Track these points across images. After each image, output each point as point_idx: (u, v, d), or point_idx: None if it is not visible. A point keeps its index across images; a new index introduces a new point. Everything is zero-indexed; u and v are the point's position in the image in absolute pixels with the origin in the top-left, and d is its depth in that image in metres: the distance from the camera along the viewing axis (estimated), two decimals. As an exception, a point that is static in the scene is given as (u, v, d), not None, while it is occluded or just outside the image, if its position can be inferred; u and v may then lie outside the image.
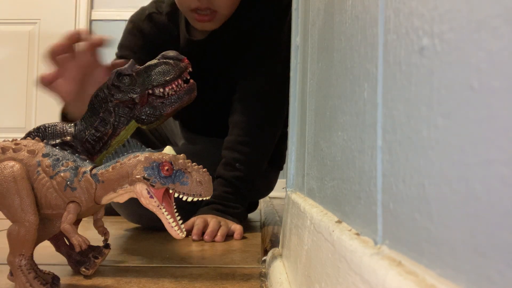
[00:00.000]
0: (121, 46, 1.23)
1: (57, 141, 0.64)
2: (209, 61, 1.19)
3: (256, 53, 1.17)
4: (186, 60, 0.66)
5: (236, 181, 1.10)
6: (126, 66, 0.66)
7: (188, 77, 0.67)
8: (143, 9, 1.27)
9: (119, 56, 1.21)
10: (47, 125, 0.66)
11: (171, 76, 0.64)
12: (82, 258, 0.66)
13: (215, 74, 1.22)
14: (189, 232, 0.98)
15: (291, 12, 0.93)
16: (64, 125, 0.66)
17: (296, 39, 0.73)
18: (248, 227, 1.19)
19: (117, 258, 0.80)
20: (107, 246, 0.69)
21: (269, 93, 1.16)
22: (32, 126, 2.48)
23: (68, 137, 0.65)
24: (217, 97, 1.23)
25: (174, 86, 0.65)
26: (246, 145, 1.13)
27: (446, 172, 0.19)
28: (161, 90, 0.64)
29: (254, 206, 1.47)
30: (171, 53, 0.67)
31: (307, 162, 0.54)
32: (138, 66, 0.66)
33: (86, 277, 0.65)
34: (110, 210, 1.24)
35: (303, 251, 0.44)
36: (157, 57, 0.67)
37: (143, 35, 1.21)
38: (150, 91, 0.64)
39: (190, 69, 0.67)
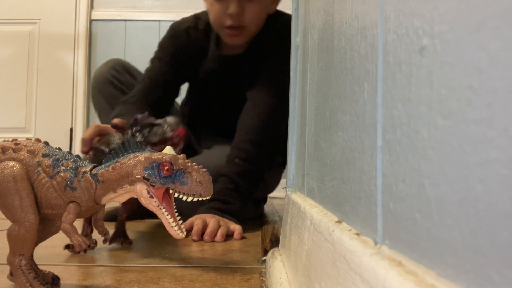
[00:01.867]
0: (161, 47, 1.41)
1: None
2: (234, 73, 1.37)
3: (269, 68, 1.30)
4: (179, 132, 0.79)
5: (236, 176, 1.14)
6: (140, 117, 0.82)
7: (178, 143, 0.80)
8: (184, 21, 1.44)
9: (157, 56, 1.39)
10: None
11: (156, 140, 0.79)
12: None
13: (235, 85, 1.37)
14: (188, 232, 0.99)
15: None
16: None
17: (296, 39, 0.73)
18: (248, 227, 1.19)
19: (117, 258, 0.80)
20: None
21: (274, 101, 1.27)
22: (32, 126, 2.48)
23: None
24: (235, 104, 1.33)
25: (157, 148, 0.75)
26: (247, 143, 1.19)
27: (446, 172, 0.19)
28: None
29: (263, 200, 1.50)
30: (171, 119, 0.81)
31: (307, 162, 0.54)
32: (148, 119, 0.82)
33: (86, 277, 0.65)
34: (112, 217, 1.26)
35: (303, 251, 0.44)
36: (163, 119, 0.82)
37: (178, 44, 1.39)
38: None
39: (176, 141, 0.80)
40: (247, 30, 1.27)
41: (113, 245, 0.91)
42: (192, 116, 1.48)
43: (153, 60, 1.40)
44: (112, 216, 1.28)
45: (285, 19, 1.28)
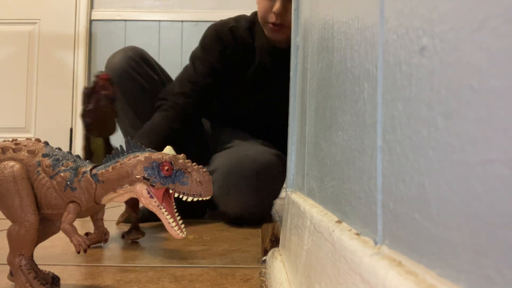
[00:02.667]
0: (204, 49, 1.40)
1: None
2: (285, 66, 1.38)
3: None
4: (102, 76, 0.85)
5: None
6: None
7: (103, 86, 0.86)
8: (226, 22, 1.45)
9: (200, 58, 1.38)
10: None
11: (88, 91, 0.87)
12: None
13: (285, 79, 1.37)
14: None
15: None
16: None
17: (296, 39, 0.73)
18: (248, 227, 1.19)
19: (117, 258, 0.80)
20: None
21: None
22: (32, 126, 2.48)
23: None
24: (274, 102, 1.36)
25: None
26: None
27: (446, 172, 0.19)
28: None
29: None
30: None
31: (307, 162, 0.54)
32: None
33: (86, 277, 0.65)
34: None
35: (303, 251, 0.44)
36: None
37: (225, 44, 1.40)
38: None
39: (101, 83, 0.86)
40: (288, 28, 1.33)
41: (113, 245, 0.91)
42: (222, 111, 1.47)
43: (194, 62, 1.38)
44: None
45: None
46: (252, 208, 1.21)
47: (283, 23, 1.31)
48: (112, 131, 0.88)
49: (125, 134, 1.37)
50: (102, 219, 0.61)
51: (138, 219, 0.97)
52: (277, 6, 1.29)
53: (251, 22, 1.43)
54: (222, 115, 1.48)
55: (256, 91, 1.43)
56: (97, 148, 0.88)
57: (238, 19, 1.46)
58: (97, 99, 0.83)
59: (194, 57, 1.41)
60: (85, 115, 0.84)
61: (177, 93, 1.31)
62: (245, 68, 1.42)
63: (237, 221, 1.22)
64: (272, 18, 1.31)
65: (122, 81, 1.29)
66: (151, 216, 1.24)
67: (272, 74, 1.41)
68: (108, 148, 0.89)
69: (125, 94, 1.31)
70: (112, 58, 1.36)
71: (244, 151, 1.28)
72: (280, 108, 1.32)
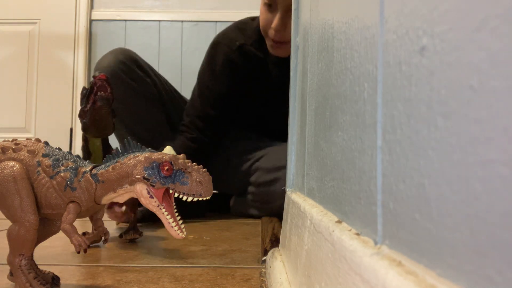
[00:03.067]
0: (213, 76, 1.34)
1: None
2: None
3: None
4: (99, 76, 0.84)
5: None
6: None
7: (101, 86, 0.85)
8: (233, 39, 1.37)
9: (210, 87, 1.34)
10: None
11: (86, 91, 0.85)
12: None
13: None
14: None
15: None
16: None
17: (296, 39, 0.73)
18: (248, 227, 1.19)
19: (117, 258, 0.80)
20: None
21: None
22: (32, 126, 2.48)
23: None
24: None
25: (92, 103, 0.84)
26: None
27: (446, 172, 0.19)
28: None
29: None
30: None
31: (307, 162, 0.54)
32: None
33: (86, 277, 0.65)
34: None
35: (303, 251, 0.44)
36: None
37: (235, 67, 1.35)
38: None
39: (99, 83, 0.85)
40: (289, 43, 1.29)
41: (113, 245, 0.91)
42: (239, 119, 1.44)
43: (203, 92, 1.33)
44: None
45: None
46: None
47: (283, 40, 1.27)
48: (110, 131, 0.88)
49: (119, 137, 1.37)
50: (102, 219, 0.61)
51: (136, 219, 0.97)
52: (275, 22, 1.25)
53: (259, 33, 1.36)
54: (238, 125, 1.46)
55: (270, 101, 1.40)
56: (95, 148, 0.88)
57: (244, 30, 1.39)
58: (94, 99, 0.82)
59: (202, 84, 1.34)
60: (82, 115, 0.84)
61: (193, 120, 1.31)
62: (259, 83, 1.38)
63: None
64: (271, 34, 1.29)
65: (114, 85, 1.27)
66: (150, 216, 1.25)
67: (283, 83, 1.38)
68: (106, 149, 0.89)
69: (119, 99, 1.28)
70: (102, 61, 1.32)
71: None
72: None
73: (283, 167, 1.27)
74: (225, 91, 1.33)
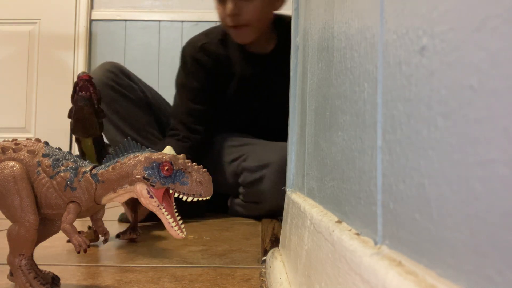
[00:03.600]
0: (186, 75, 1.42)
1: None
2: (266, 72, 1.41)
3: None
4: (82, 76, 0.83)
5: None
6: None
7: (84, 86, 0.85)
8: (196, 40, 1.46)
9: (182, 85, 1.41)
10: None
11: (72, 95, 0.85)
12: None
13: (269, 85, 1.41)
14: None
15: None
16: None
17: (296, 39, 0.73)
18: (248, 227, 1.19)
19: (117, 258, 0.80)
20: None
21: None
22: (32, 126, 2.48)
23: None
24: (274, 101, 1.37)
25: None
26: None
27: (446, 172, 0.19)
28: None
29: None
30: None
31: (307, 162, 0.54)
32: None
33: (86, 277, 0.65)
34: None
35: (303, 251, 0.44)
36: None
37: (201, 64, 1.42)
38: None
39: (81, 83, 0.84)
40: (250, 27, 1.32)
41: (113, 245, 0.91)
42: (223, 121, 1.49)
43: (180, 92, 1.41)
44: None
45: None
46: None
47: (242, 23, 1.31)
48: (96, 131, 0.86)
49: (112, 142, 1.38)
50: (102, 219, 0.61)
51: (137, 219, 0.97)
52: (228, 8, 1.28)
53: (223, 33, 1.43)
54: (223, 124, 1.50)
55: (247, 99, 1.44)
56: (88, 148, 0.88)
57: (209, 32, 1.48)
58: (76, 99, 0.82)
59: (179, 85, 1.43)
60: (69, 115, 0.84)
61: (177, 122, 1.36)
62: (229, 81, 1.43)
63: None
64: (229, 22, 1.31)
65: (104, 92, 1.34)
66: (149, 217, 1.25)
67: (258, 80, 1.42)
68: (100, 149, 0.88)
69: (108, 103, 1.36)
70: (92, 72, 1.42)
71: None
72: (279, 110, 1.32)
73: (267, 165, 1.29)
74: (199, 86, 1.40)
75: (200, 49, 1.42)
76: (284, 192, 1.19)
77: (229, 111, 1.47)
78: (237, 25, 1.31)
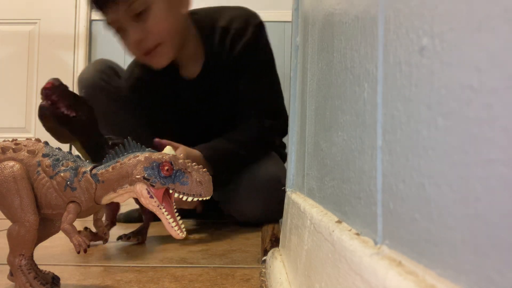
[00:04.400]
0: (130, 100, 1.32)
1: None
2: (198, 95, 1.28)
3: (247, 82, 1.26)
4: (46, 84, 0.82)
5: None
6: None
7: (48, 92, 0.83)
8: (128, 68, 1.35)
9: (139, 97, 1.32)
10: None
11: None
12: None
13: (213, 100, 1.30)
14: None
15: (256, 27, 1.19)
16: None
17: (296, 39, 0.73)
18: (248, 227, 1.19)
19: (117, 258, 0.80)
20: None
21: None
22: (32, 126, 2.48)
23: None
24: (219, 117, 1.30)
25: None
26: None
27: (446, 172, 0.19)
28: None
29: None
30: None
31: (307, 162, 0.54)
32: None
33: (86, 277, 0.65)
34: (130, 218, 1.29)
35: (303, 251, 0.44)
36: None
37: (140, 94, 1.31)
38: None
39: (47, 86, 0.83)
40: (164, 44, 1.15)
41: (113, 245, 0.91)
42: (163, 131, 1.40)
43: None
44: (130, 218, 1.29)
45: (236, 31, 1.23)
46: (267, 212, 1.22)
47: (153, 44, 1.13)
48: (70, 139, 0.85)
49: (96, 143, 1.36)
50: (102, 219, 0.61)
51: (148, 223, 0.97)
52: (131, 36, 1.11)
53: (136, 64, 1.30)
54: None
55: (176, 120, 1.34)
56: (79, 150, 0.87)
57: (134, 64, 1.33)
58: (39, 107, 0.82)
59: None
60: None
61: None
62: (160, 106, 1.33)
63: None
64: (140, 50, 1.15)
65: (96, 94, 1.29)
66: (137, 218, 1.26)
67: (185, 105, 1.29)
68: (93, 151, 0.87)
69: (98, 107, 1.31)
70: (83, 74, 1.35)
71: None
72: (219, 124, 1.27)
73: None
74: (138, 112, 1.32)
75: (132, 86, 1.32)
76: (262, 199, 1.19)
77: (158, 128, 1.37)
78: (148, 50, 1.14)
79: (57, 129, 0.83)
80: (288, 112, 0.86)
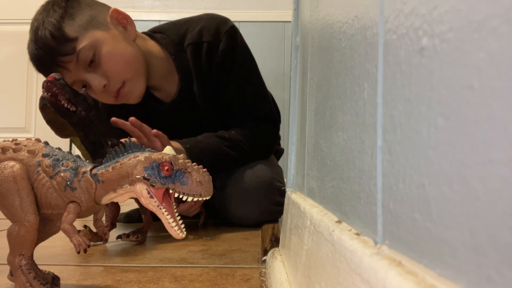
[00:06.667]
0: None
1: None
2: (190, 110, 1.24)
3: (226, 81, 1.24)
4: (47, 78, 0.82)
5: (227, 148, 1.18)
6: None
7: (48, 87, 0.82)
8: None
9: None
10: None
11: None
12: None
13: (197, 115, 1.26)
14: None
15: (229, 34, 1.18)
16: None
17: (296, 39, 0.73)
18: (248, 227, 1.19)
19: (117, 258, 0.80)
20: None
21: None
22: (32, 126, 2.48)
23: None
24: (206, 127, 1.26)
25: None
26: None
27: (446, 172, 0.19)
28: None
29: None
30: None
31: (307, 162, 0.54)
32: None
33: (86, 277, 0.65)
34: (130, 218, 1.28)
35: (303, 251, 0.44)
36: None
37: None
38: None
39: (47, 79, 0.82)
40: (129, 81, 1.10)
41: (113, 245, 0.91)
42: None
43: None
44: (131, 218, 1.29)
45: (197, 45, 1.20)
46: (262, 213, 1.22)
47: (117, 87, 1.08)
48: (71, 132, 0.85)
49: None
50: (102, 219, 0.61)
51: (149, 224, 0.97)
52: (94, 86, 1.06)
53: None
54: None
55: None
56: (78, 146, 0.88)
57: None
58: (40, 98, 0.82)
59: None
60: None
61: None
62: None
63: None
64: (109, 96, 1.10)
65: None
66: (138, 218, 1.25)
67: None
68: (92, 148, 0.87)
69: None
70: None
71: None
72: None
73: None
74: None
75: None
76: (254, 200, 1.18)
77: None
78: (117, 91, 1.09)
79: (57, 121, 0.83)
80: (288, 112, 0.86)
